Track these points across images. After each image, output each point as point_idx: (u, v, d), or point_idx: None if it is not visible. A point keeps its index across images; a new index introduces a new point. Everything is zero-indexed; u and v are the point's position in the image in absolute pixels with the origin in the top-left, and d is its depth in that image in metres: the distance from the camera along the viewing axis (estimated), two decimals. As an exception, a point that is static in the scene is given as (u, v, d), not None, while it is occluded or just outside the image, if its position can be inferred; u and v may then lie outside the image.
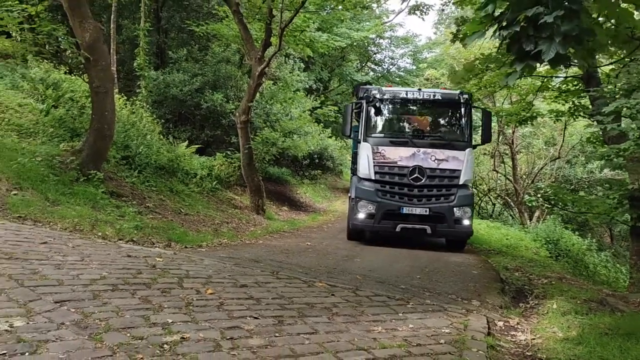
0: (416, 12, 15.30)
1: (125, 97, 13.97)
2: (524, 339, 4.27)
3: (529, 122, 14.29)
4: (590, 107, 10.40)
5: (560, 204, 10.96)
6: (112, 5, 15.40)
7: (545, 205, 11.88)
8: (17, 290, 3.55)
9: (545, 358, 3.81)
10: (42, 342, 2.78)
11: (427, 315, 4.42)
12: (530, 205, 16.72)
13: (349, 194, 10.80)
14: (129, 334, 3.05)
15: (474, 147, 10.79)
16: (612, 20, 4.52)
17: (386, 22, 31.13)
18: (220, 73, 16.48)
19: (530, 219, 22.34)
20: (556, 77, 11.77)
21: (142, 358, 2.76)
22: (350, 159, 15.54)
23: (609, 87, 8.74)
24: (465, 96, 10.46)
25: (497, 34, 3.78)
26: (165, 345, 2.96)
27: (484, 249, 11.50)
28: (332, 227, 13.80)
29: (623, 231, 19.44)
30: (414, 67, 36.88)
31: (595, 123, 9.16)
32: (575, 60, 6.27)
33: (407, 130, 10.95)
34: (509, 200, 24.56)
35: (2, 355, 2.59)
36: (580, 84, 10.87)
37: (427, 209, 9.69)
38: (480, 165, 24.21)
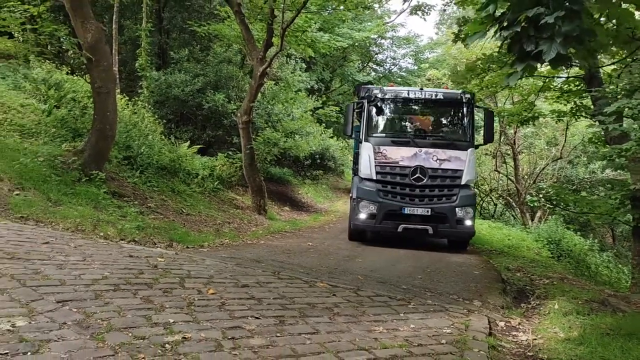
0: (418, 12, 15.35)
1: (127, 98, 13.99)
2: (525, 339, 4.27)
3: (530, 123, 14.27)
4: (592, 107, 10.40)
5: (562, 204, 10.94)
6: (114, 5, 15.42)
7: (547, 205, 11.87)
8: (19, 290, 3.56)
9: (546, 358, 3.80)
10: (44, 342, 2.78)
11: (429, 316, 4.42)
12: (532, 205, 16.73)
13: (351, 194, 10.77)
14: (130, 334, 3.06)
15: (476, 147, 10.75)
16: (613, 21, 4.52)
17: (388, 23, 31.19)
18: (222, 73, 16.49)
19: (532, 220, 22.34)
20: (558, 77, 11.78)
21: (143, 358, 2.77)
22: (352, 159, 15.56)
23: (611, 87, 8.73)
24: (468, 95, 10.43)
25: (498, 34, 3.79)
26: (166, 345, 2.97)
27: (486, 249, 11.49)
28: (334, 227, 13.80)
29: (625, 231, 19.40)
30: (416, 68, 36.89)
31: (597, 123, 9.17)
32: (576, 61, 6.27)
33: (408, 130, 10.92)
34: (511, 200, 24.56)
35: (4, 355, 2.60)
36: (582, 84, 10.87)
37: (429, 209, 9.66)
38: (482, 166, 24.21)
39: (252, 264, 6.06)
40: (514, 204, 24.16)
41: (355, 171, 11.35)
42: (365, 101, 10.38)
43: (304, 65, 22.62)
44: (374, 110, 10.32)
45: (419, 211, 9.67)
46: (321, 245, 9.61)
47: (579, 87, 11.09)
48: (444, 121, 11.20)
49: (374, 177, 9.86)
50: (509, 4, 3.72)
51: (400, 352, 3.35)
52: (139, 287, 4.06)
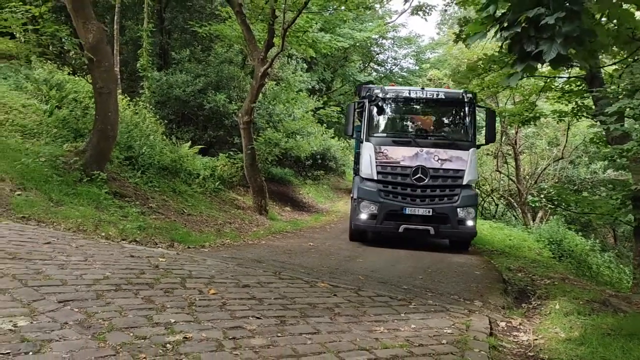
0: (419, 12, 15.33)
1: (129, 98, 14.01)
2: (526, 340, 4.27)
3: (532, 123, 14.26)
4: (593, 107, 10.38)
5: (563, 204, 10.92)
6: (115, 6, 15.45)
7: (549, 205, 11.86)
8: (20, 290, 3.57)
9: (547, 358, 3.81)
10: (46, 342, 2.79)
11: (429, 316, 4.42)
12: (533, 205, 16.73)
13: (351, 195, 10.76)
14: (132, 334, 3.07)
15: (478, 147, 10.70)
16: (614, 21, 4.52)
17: (389, 23, 31.19)
18: (223, 74, 16.51)
19: (534, 220, 22.32)
20: (559, 77, 11.76)
21: (145, 357, 2.77)
22: (353, 159, 15.56)
23: (612, 87, 8.71)
24: (469, 95, 10.38)
25: (499, 34, 3.79)
26: (168, 345, 2.98)
27: (487, 249, 11.48)
28: (335, 227, 13.80)
29: (626, 232, 19.38)
30: (417, 68, 36.90)
31: (598, 123, 9.15)
32: (577, 61, 6.27)
33: (410, 129, 10.85)
34: (512, 200, 24.54)
35: (6, 355, 2.60)
36: (583, 84, 10.86)
37: (430, 210, 9.63)
38: (483, 166, 24.19)
39: (253, 264, 6.07)
40: (515, 204, 24.15)
41: (356, 171, 11.33)
42: (366, 101, 10.32)
43: (305, 65, 22.62)
44: (375, 109, 10.28)
45: (420, 211, 9.65)
46: (322, 245, 9.61)
47: (580, 87, 11.08)
48: (446, 121, 11.16)
49: (375, 177, 9.83)
50: (509, 4, 3.73)
51: (401, 352, 3.35)
52: (140, 287, 4.07)
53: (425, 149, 9.84)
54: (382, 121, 10.60)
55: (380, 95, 10.28)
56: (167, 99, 15.81)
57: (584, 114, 11.32)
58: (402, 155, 9.83)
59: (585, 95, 11.11)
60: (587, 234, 20.36)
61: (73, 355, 2.68)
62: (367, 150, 10.00)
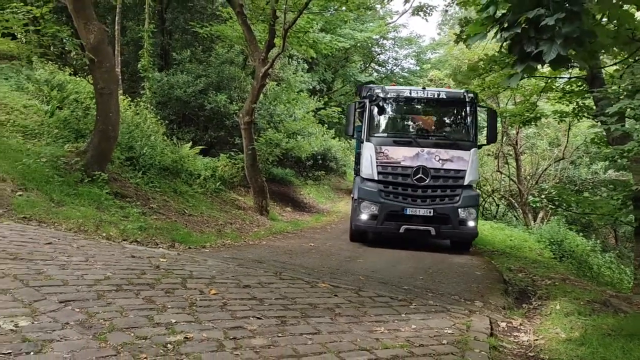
0: (420, 13, 15.33)
1: (130, 99, 14.02)
2: (526, 340, 4.28)
3: (533, 123, 14.25)
4: (594, 107, 10.37)
5: (564, 204, 10.93)
6: (116, 7, 15.47)
7: (550, 206, 11.87)
8: (22, 290, 3.58)
9: (547, 359, 3.81)
10: (47, 342, 2.80)
11: (430, 316, 4.42)
12: (534, 206, 16.73)
13: (352, 195, 10.75)
14: (132, 334, 3.07)
15: (479, 147, 10.66)
16: (614, 22, 4.52)
17: (390, 23, 31.19)
18: (224, 74, 16.52)
19: (534, 220, 22.31)
20: (560, 77, 11.75)
21: (145, 358, 2.78)
22: (354, 159, 15.56)
23: (613, 87, 8.71)
24: (471, 95, 10.35)
25: (499, 35, 3.79)
26: (168, 345, 2.98)
27: (488, 250, 11.48)
28: (336, 228, 13.80)
29: (627, 232, 19.35)
30: (418, 68, 36.91)
31: (599, 124, 9.14)
32: (577, 62, 6.27)
33: (411, 129, 10.82)
34: (513, 201, 24.53)
35: (7, 355, 2.61)
36: (584, 85, 10.85)
37: (431, 210, 9.61)
38: (484, 166, 24.17)
39: (254, 265, 6.08)
40: (516, 204, 24.13)
41: (357, 171, 11.31)
42: (367, 101, 10.29)
43: (305, 66, 22.63)
44: (375, 109, 10.25)
45: (421, 212, 9.62)
46: (323, 245, 9.61)
47: (581, 88, 11.07)
48: (447, 121, 11.12)
49: (376, 178, 9.81)
50: (509, 5, 3.73)
51: (402, 352, 3.36)
52: (141, 288, 4.07)
53: (426, 149, 9.81)
54: (382, 121, 10.57)
55: (381, 95, 10.25)
56: (168, 100, 15.83)
57: (585, 114, 11.32)
58: (403, 155, 9.80)
59: (586, 95, 11.09)
60: (588, 234, 20.35)
61: (74, 355, 2.69)
62: (368, 150, 9.98)
